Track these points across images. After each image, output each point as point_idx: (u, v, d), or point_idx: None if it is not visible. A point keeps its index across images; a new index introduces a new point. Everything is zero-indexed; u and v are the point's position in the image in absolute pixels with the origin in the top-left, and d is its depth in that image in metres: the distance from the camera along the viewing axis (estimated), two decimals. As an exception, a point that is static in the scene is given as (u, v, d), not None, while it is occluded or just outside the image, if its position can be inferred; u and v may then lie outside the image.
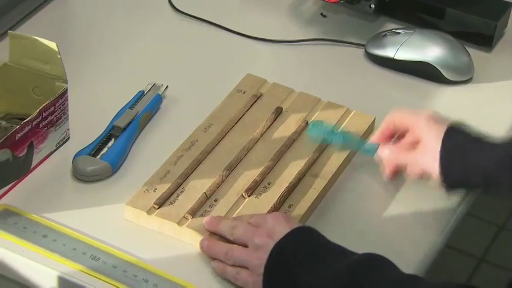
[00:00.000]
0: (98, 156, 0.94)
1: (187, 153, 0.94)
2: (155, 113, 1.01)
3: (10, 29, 1.06)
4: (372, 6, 1.13)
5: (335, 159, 0.95)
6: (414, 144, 0.92)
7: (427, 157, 0.90)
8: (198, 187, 0.90)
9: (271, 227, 0.83)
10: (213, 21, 1.15)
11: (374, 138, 0.96)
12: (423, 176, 0.92)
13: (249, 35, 1.13)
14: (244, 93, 1.02)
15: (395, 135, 0.95)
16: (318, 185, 0.92)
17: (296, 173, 0.93)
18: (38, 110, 0.90)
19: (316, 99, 1.02)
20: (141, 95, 1.02)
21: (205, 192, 0.89)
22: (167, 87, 1.04)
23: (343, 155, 0.96)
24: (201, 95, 1.04)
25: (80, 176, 0.93)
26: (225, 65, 1.10)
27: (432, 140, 0.90)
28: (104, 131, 0.97)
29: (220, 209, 0.88)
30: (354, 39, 1.14)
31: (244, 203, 0.90)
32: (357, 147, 0.97)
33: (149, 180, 0.91)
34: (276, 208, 0.89)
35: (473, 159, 0.89)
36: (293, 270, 0.80)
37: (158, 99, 1.02)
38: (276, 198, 0.90)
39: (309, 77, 1.07)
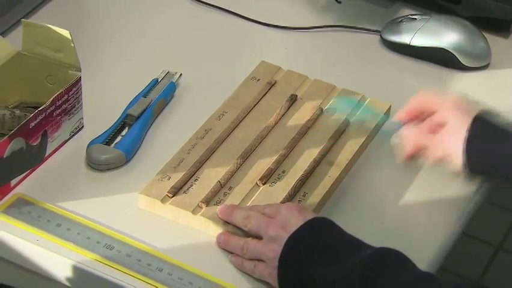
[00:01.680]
0: (112, 145, 0.93)
1: (201, 142, 0.93)
2: (169, 101, 1.01)
3: (23, 17, 1.06)
4: (388, -8, 1.12)
5: (350, 147, 0.94)
6: (439, 127, 0.90)
7: (451, 140, 0.88)
8: (212, 175, 0.90)
9: (285, 218, 0.82)
10: (227, 8, 1.14)
11: (397, 116, 0.93)
12: (443, 161, 0.90)
13: (263, 21, 1.12)
14: (258, 80, 1.01)
15: (420, 117, 0.93)
16: (333, 173, 0.91)
17: (311, 161, 0.92)
18: (51, 99, 0.90)
19: (331, 86, 1.01)
20: (155, 83, 1.01)
21: (219, 181, 0.89)
22: (181, 75, 1.03)
23: (358, 142, 0.95)
24: (214, 83, 1.04)
25: (94, 164, 0.92)
26: (239, 52, 1.09)
27: (458, 124, 0.88)
28: (118, 119, 0.96)
29: (234, 197, 0.88)
30: (370, 25, 1.13)
31: (259, 192, 0.89)
32: (380, 123, 0.96)
33: (163, 169, 0.90)
34: (290, 196, 0.88)
35: (498, 149, 0.87)
36: (307, 263, 0.79)
37: (172, 87, 1.01)
38: (291, 187, 0.89)
39: (323, 64, 1.06)
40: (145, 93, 1.00)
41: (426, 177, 0.94)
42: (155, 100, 0.99)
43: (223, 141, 0.94)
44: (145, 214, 0.88)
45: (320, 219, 0.83)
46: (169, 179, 0.89)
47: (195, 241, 0.86)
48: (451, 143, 0.88)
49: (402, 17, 1.11)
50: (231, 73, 1.04)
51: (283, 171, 0.91)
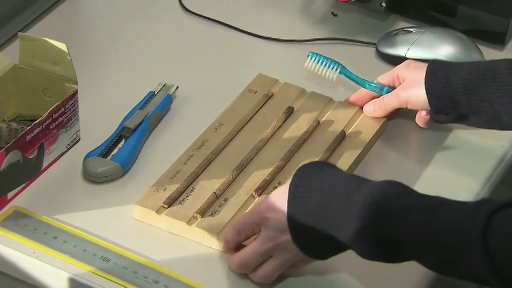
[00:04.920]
0: (109, 157, 0.94)
1: (197, 153, 0.94)
2: (166, 113, 1.01)
3: (20, 31, 1.06)
4: (384, 4, 1.13)
5: (346, 158, 0.95)
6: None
7: (412, 86, 0.96)
8: (207, 187, 0.90)
9: (268, 203, 0.81)
10: (223, 21, 1.14)
11: (378, 79, 1.01)
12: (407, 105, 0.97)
13: (260, 34, 1.13)
14: (255, 93, 1.02)
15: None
16: None
17: None
18: (48, 112, 0.90)
19: (328, 99, 1.02)
20: (151, 95, 1.02)
21: (214, 192, 0.89)
22: (177, 87, 1.03)
23: (354, 153, 0.95)
24: (211, 95, 1.04)
25: (91, 177, 0.93)
26: (236, 65, 1.09)
27: (417, 72, 0.96)
28: (115, 131, 0.97)
29: (229, 208, 0.88)
30: (366, 38, 1.13)
31: (254, 203, 0.89)
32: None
33: (159, 180, 0.90)
34: None
35: (455, 71, 0.94)
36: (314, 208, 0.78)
37: (168, 100, 1.02)
38: None
39: (320, 76, 1.06)
40: (142, 105, 1.00)
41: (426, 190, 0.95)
42: (152, 113, 0.99)
43: (220, 152, 0.94)
44: (141, 226, 0.88)
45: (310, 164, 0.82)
46: (164, 190, 0.89)
47: (191, 253, 0.86)
48: (407, 92, 0.97)
49: (398, 29, 1.12)
50: (227, 86, 1.05)
51: (279, 183, 0.91)
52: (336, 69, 1.01)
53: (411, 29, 1.11)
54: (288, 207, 0.79)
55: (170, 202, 0.88)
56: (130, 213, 0.89)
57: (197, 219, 0.87)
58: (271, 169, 0.92)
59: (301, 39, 1.13)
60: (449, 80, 0.94)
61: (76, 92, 0.94)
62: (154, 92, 1.02)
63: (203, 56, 1.10)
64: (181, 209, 0.88)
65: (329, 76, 1.01)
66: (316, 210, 0.78)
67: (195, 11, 1.15)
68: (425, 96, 0.95)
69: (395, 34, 1.11)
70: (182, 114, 1.01)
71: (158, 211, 0.87)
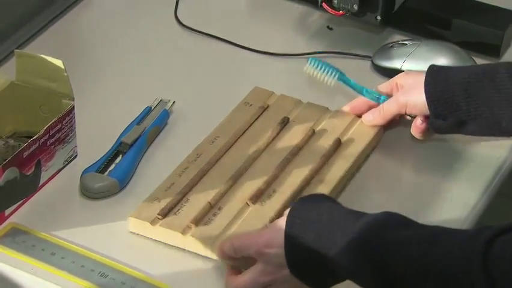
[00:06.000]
0: (106, 173, 0.94)
1: (192, 165, 0.94)
2: (163, 128, 1.01)
3: (17, 48, 1.07)
4: (379, 18, 1.13)
5: (341, 165, 0.95)
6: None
7: (411, 90, 0.96)
8: (202, 197, 0.90)
9: (266, 237, 0.81)
10: (219, 36, 1.15)
11: (378, 88, 1.01)
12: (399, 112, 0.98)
13: (256, 49, 1.13)
14: (251, 105, 1.02)
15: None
16: (323, 190, 0.92)
17: (301, 179, 0.92)
18: (45, 128, 0.91)
19: (324, 108, 1.02)
20: (148, 110, 1.02)
21: (209, 202, 0.89)
22: (174, 102, 1.04)
23: (349, 160, 0.95)
24: (208, 110, 1.04)
25: (88, 192, 0.93)
26: (232, 80, 1.10)
27: (416, 77, 0.96)
28: (112, 147, 0.97)
29: (223, 217, 0.88)
30: (361, 51, 1.14)
31: (249, 211, 0.89)
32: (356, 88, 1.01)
33: (153, 192, 0.91)
34: (280, 214, 0.88)
35: (454, 75, 0.94)
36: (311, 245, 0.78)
37: (165, 115, 1.02)
38: (281, 205, 0.89)
39: (316, 90, 1.06)
40: (139, 121, 1.00)
41: (422, 201, 0.95)
42: (149, 128, 0.99)
43: (214, 164, 0.94)
44: (139, 241, 0.88)
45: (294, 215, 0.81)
46: (159, 201, 0.89)
47: (188, 267, 0.86)
48: (407, 96, 0.97)
49: (393, 42, 1.12)
50: (224, 100, 1.05)
51: (274, 191, 0.91)
52: (335, 75, 1.01)
53: (406, 42, 1.11)
54: (285, 241, 0.79)
55: (165, 213, 0.88)
56: (128, 228, 0.89)
57: (191, 228, 0.87)
58: (266, 178, 0.92)
59: (298, 53, 1.13)
60: (449, 83, 0.94)
61: (72, 108, 0.94)
62: (151, 107, 1.03)
63: (199, 71, 1.11)
64: (176, 220, 0.88)
65: (327, 82, 1.02)
66: (315, 243, 0.78)
67: (191, 26, 1.16)
68: (424, 99, 0.95)
69: (391, 47, 1.11)
70: (179, 129, 1.02)
71: (152, 222, 0.87)
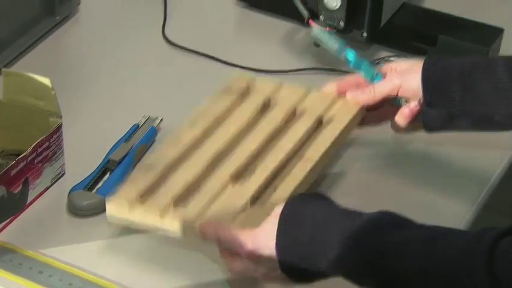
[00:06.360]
0: (94, 191, 0.94)
1: (172, 148, 0.92)
2: (150, 145, 1.02)
3: (4, 66, 1.07)
4: (365, 34, 1.14)
5: (322, 144, 0.93)
6: None
7: (407, 72, 0.94)
8: (181, 178, 0.88)
9: (257, 240, 0.81)
10: (207, 53, 1.15)
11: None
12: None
13: (243, 65, 1.14)
14: (230, 91, 1.00)
15: None
16: (305, 167, 0.90)
17: (282, 156, 0.91)
18: (32, 146, 0.91)
19: (305, 89, 1.00)
20: (136, 128, 1.02)
21: (188, 183, 0.88)
22: (162, 119, 1.04)
23: (331, 137, 0.94)
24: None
25: (76, 210, 0.93)
26: (220, 97, 1.10)
27: (414, 62, 0.94)
28: (100, 164, 0.97)
29: (203, 197, 0.87)
30: (348, 67, 1.14)
31: (229, 191, 0.88)
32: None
33: (132, 175, 0.89)
34: (260, 193, 0.87)
35: (453, 65, 0.92)
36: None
37: (153, 132, 1.02)
38: (261, 182, 0.88)
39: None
40: (127, 138, 1.00)
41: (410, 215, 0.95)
42: (137, 145, 1.00)
43: (195, 147, 0.93)
44: (128, 259, 0.88)
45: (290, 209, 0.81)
46: (138, 184, 0.87)
47: (179, 284, 0.86)
48: (402, 78, 0.94)
49: (380, 58, 1.13)
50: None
51: (254, 170, 0.90)
52: (337, 42, 1.00)
53: (392, 58, 1.12)
54: (277, 241, 0.79)
55: (144, 195, 0.86)
56: (116, 246, 0.89)
57: (171, 210, 0.85)
58: (246, 158, 0.91)
59: (285, 69, 1.13)
60: (447, 72, 0.92)
61: (60, 126, 0.94)
62: (139, 124, 1.03)
63: (187, 88, 1.11)
64: (154, 201, 0.86)
65: (330, 46, 1.00)
66: (309, 245, 0.77)
67: (179, 43, 1.16)
68: (420, 83, 0.92)
69: (377, 63, 1.12)
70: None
71: (131, 204, 0.85)
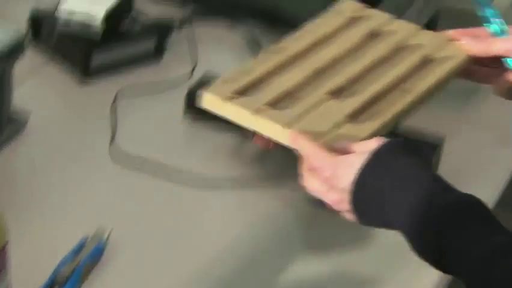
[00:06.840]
0: (40, 310, 0.92)
1: (274, 56, 0.93)
2: (99, 259, 1.00)
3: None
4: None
5: (426, 80, 0.93)
6: None
7: None
8: (281, 84, 0.89)
9: (336, 170, 0.80)
10: (160, 160, 1.13)
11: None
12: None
13: (196, 184, 1.12)
14: (341, 14, 1.01)
15: None
16: (405, 99, 0.90)
17: (384, 85, 0.91)
18: (-24, 267, 0.88)
19: (417, 27, 1.01)
20: (84, 242, 1.01)
21: (287, 89, 0.88)
22: (111, 231, 1.02)
23: (434, 78, 0.94)
24: (147, 240, 1.04)
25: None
26: (171, 214, 1.08)
27: None
28: (47, 282, 0.95)
29: (300, 105, 0.87)
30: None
31: (325, 104, 0.88)
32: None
33: (231, 73, 0.89)
34: (357, 113, 0.87)
35: None
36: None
37: (101, 247, 1.01)
38: (359, 103, 0.88)
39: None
40: (74, 253, 0.99)
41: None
42: (84, 260, 0.98)
43: (297, 58, 0.93)
44: None
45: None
46: (236, 82, 0.88)
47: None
48: None
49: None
50: (161, 229, 1.04)
51: (355, 90, 0.90)
52: None
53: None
54: (357, 177, 0.78)
55: (240, 92, 0.87)
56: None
57: (264, 110, 0.85)
58: (349, 77, 0.91)
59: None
60: None
61: (5, 245, 0.92)
62: (87, 238, 1.01)
63: (137, 203, 1.10)
64: (250, 101, 0.86)
65: None
66: (387, 195, 0.77)
67: (129, 152, 1.15)
68: None
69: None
70: (116, 261, 1.00)
71: (225, 99, 0.86)
